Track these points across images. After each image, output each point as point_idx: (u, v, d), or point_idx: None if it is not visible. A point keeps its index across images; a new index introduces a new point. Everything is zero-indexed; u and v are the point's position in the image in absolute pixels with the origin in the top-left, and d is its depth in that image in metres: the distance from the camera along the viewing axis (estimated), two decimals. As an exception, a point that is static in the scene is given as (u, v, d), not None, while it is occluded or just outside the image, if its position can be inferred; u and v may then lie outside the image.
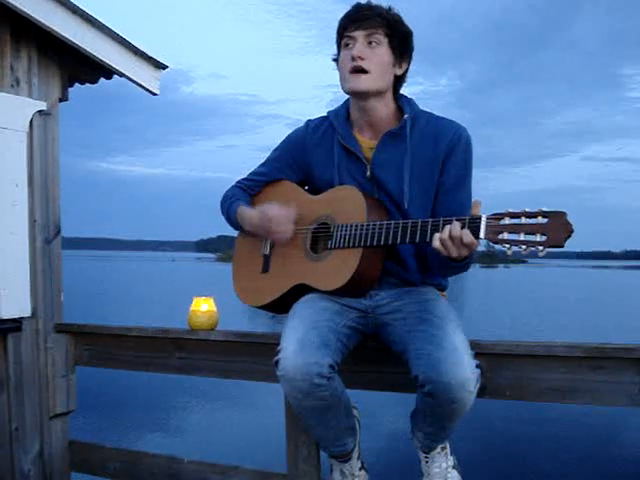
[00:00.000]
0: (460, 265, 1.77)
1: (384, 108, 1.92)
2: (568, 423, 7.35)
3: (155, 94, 2.92)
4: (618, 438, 7.11)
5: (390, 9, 1.89)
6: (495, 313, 21.84)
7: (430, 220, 1.71)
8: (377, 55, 1.85)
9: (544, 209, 1.53)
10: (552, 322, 18.59)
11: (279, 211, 1.95)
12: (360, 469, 2.01)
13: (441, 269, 1.88)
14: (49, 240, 2.76)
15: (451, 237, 1.63)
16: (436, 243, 1.65)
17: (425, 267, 1.94)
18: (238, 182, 2.17)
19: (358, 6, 1.89)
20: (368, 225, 1.82)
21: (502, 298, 31.25)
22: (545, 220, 1.53)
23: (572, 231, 1.51)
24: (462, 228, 1.62)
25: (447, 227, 1.64)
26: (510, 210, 1.58)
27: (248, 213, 2.05)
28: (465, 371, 1.64)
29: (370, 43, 1.85)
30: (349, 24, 1.87)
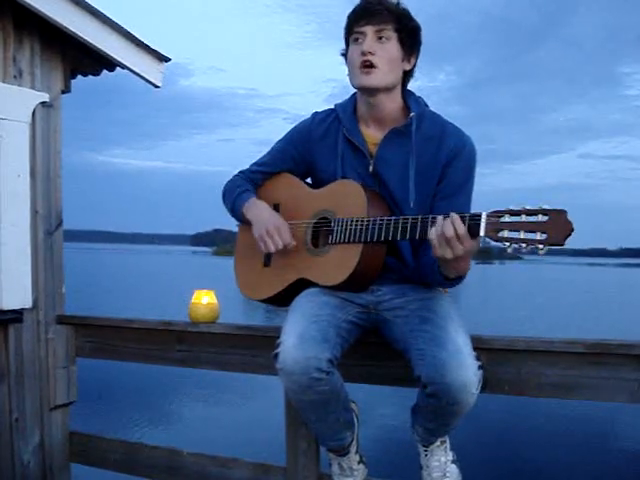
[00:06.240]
0: (452, 283, 1.76)
1: (392, 104, 1.91)
2: (567, 419, 7.37)
3: (157, 86, 2.92)
4: (616, 434, 7.14)
5: (398, 4, 1.88)
6: (491, 309, 21.86)
7: (430, 216, 1.69)
8: (386, 51, 1.84)
9: (544, 207, 1.51)
10: (548, 319, 18.62)
11: (278, 226, 1.96)
12: (359, 463, 2.02)
13: (435, 285, 1.87)
14: (51, 231, 2.76)
15: (444, 233, 1.58)
16: (432, 235, 1.62)
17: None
18: (241, 172, 2.15)
19: (367, 1, 1.88)
20: (369, 220, 1.81)
21: (498, 294, 31.29)
22: (545, 218, 1.51)
23: (572, 230, 1.49)
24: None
25: (444, 222, 1.61)
26: (510, 207, 1.56)
27: (253, 211, 2.04)
28: (468, 373, 1.64)
29: (380, 38, 1.84)
30: (358, 19, 1.86)
